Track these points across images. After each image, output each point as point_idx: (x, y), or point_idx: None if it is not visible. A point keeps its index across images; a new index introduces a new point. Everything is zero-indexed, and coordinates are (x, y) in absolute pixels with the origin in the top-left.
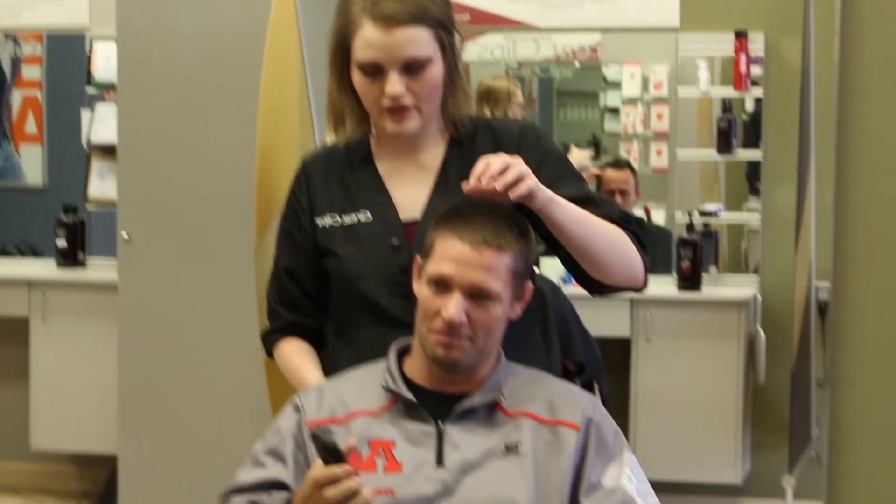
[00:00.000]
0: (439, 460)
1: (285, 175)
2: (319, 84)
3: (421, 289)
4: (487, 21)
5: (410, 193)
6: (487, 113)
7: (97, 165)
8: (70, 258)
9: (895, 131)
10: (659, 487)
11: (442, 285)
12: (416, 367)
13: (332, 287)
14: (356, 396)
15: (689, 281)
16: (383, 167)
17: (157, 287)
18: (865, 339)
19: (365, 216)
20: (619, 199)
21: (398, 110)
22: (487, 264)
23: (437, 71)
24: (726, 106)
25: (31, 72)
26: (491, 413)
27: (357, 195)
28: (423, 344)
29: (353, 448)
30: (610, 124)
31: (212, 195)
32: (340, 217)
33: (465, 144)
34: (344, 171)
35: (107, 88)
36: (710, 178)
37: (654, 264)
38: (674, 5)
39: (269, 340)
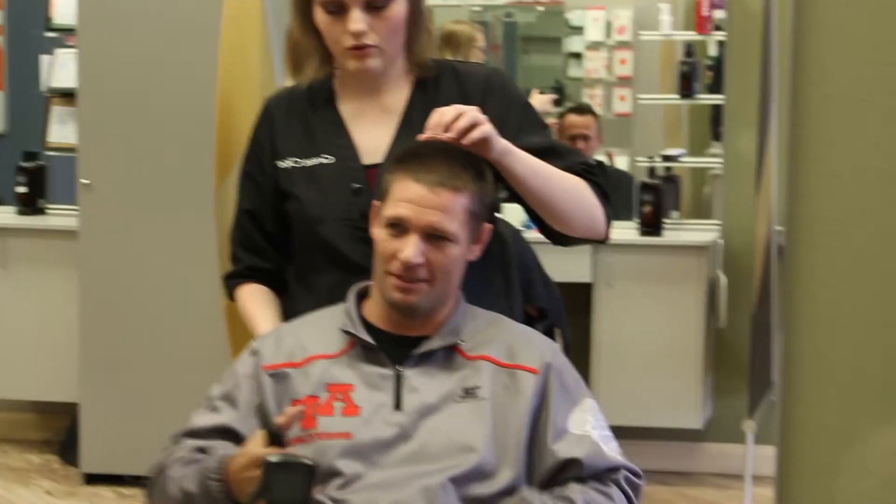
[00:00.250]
0: (397, 404)
1: (246, 119)
2: (281, 27)
3: (378, 232)
4: None
5: (373, 136)
6: (449, 58)
7: (57, 111)
8: (30, 205)
9: (850, 71)
10: (620, 433)
11: (399, 228)
12: (374, 310)
13: (293, 231)
14: (314, 340)
15: (651, 226)
16: (346, 109)
17: (117, 233)
18: (819, 280)
19: (327, 159)
20: (581, 144)
21: (360, 48)
22: (444, 205)
23: (399, 9)
24: (689, 50)
25: None
26: (449, 356)
27: (319, 137)
28: (381, 288)
29: (292, 419)
30: (573, 70)
31: (172, 140)
32: (302, 159)
33: (429, 88)
34: (307, 113)
35: (66, 33)
36: (674, 123)
37: (617, 210)
38: None
39: (230, 284)
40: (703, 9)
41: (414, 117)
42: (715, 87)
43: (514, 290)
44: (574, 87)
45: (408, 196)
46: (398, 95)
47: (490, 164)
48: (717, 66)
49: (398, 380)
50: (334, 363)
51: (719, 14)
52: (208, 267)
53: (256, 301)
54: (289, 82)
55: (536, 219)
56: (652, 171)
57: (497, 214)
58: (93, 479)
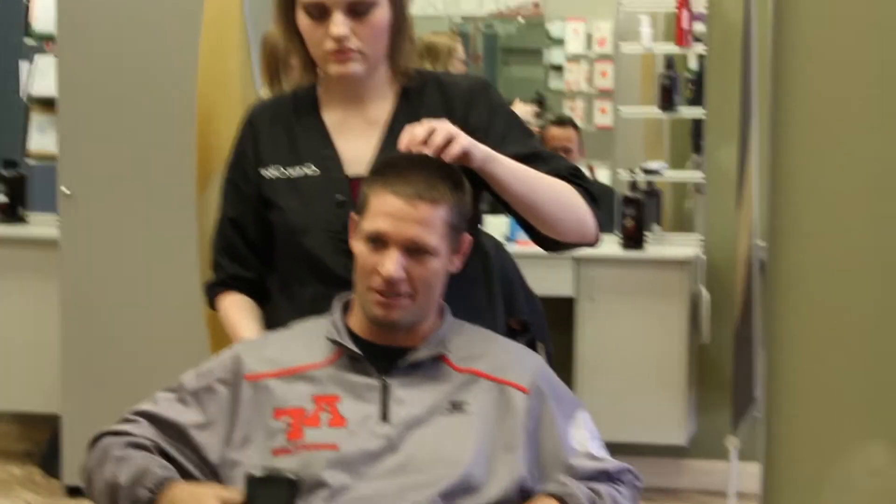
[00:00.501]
0: (384, 415)
1: (226, 128)
2: (259, 33)
3: (357, 246)
4: None
5: (357, 147)
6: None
7: (37, 119)
8: (10, 214)
9: (830, 87)
10: None
11: (378, 242)
12: (358, 321)
13: (276, 241)
14: (299, 350)
15: (633, 240)
16: (330, 119)
17: (98, 242)
18: (801, 296)
19: (310, 169)
20: None
21: (342, 52)
22: (422, 218)
23: (382, 15)
24: (669, 62)
25: None
26: (437, 367)
27: (303, 147)
28: (363, 303)
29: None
30: (554, 82)
31: (153, 148)
32: (286, 169)
33: (413, 98)
34: (290, 121)
35: (46, 40)
36: (655, 136)
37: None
38: None
39: (211, 293)
40: (683, 21)
41: (398, 128)
42: (696, 100)
43: (497, 303)
44: (555, 99)
45: (386, 210)
46: (382, 106)
47: (471, 172)
48: (698, 79)
49: (385, 391)
50: (320, 374)
51: (700, 27)
52: (190, 276)
53: (239, 311)
54: (265, 93)
55: (525, 225)
56: (633, 185)
57: (480, 227)
58: (74, 491)
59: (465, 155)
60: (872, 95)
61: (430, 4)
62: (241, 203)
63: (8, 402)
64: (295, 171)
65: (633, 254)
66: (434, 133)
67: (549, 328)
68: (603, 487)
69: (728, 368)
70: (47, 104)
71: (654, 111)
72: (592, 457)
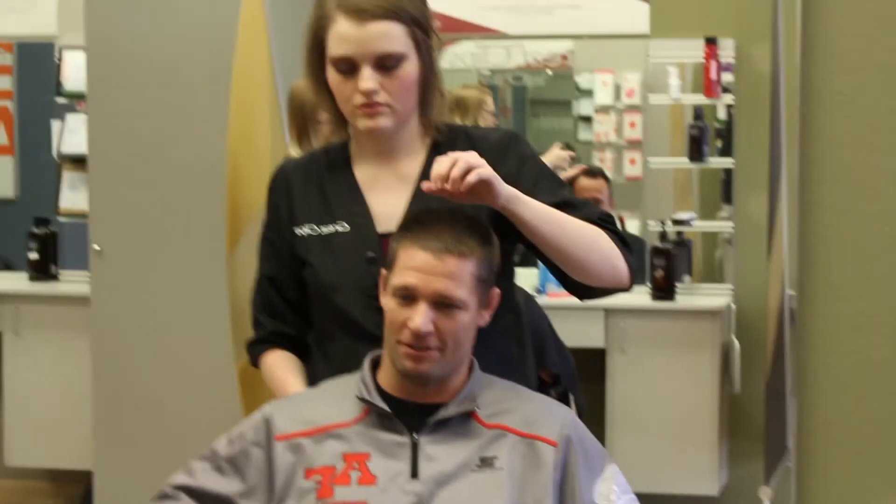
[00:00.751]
0: (414, 473)
1: (256, 186)
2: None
3: (387, 301)
4: (458, 28)
5: (388, 203)
6: (458, 122)
7: (68, 176)
8: (42, 271)
9: (861, 137)
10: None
11: (407, 296)
12: (388, 378)
13: (310, 298)
14: (329, 409)
15: (663, 291)
16: (362, 175)
17: (129, 299)
18: (832, 348)
19: (342, 226)
20: None
21: (371, 107)
22: (451, 272)
23: (411, 69)
24: (697, 113)
25: (2, 82)
26: (466, 423)
27: (335, 204)
28: (393, 357)
29: None
30: (583, 133)
31: (183, 205)
32: (318, 227)
33: (443, 153)
34: (323, 178)
35: (77, 98)
36: (684, 186)
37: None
38: (643, 12)
39: (254, 351)
40: (711, 72)
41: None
42: (726, 151)
43: (528, 356)
44: (584, 150)
45: (414, 264)
46: (413, 161)
47: (504, 223)
48: (727, 129)
49: (414, 448)
50: (349, 432)
51: (728, 77)
52: (221, 333)
53: (284, 368)
54: (293, 147)
55: (556, 271)
56: (663, 236)
57: (513, 280)
58: None
59: (486, 188)
60: None
61: (458, 58)
62: (278, 261)
63: (40, 459)
64: (326, 229)
65: (663, 304)
66: (455, 164)
67: (580, 380)
68: None
69: (760, 418)
70: (78, 162)
71: (683, 162)
72: None
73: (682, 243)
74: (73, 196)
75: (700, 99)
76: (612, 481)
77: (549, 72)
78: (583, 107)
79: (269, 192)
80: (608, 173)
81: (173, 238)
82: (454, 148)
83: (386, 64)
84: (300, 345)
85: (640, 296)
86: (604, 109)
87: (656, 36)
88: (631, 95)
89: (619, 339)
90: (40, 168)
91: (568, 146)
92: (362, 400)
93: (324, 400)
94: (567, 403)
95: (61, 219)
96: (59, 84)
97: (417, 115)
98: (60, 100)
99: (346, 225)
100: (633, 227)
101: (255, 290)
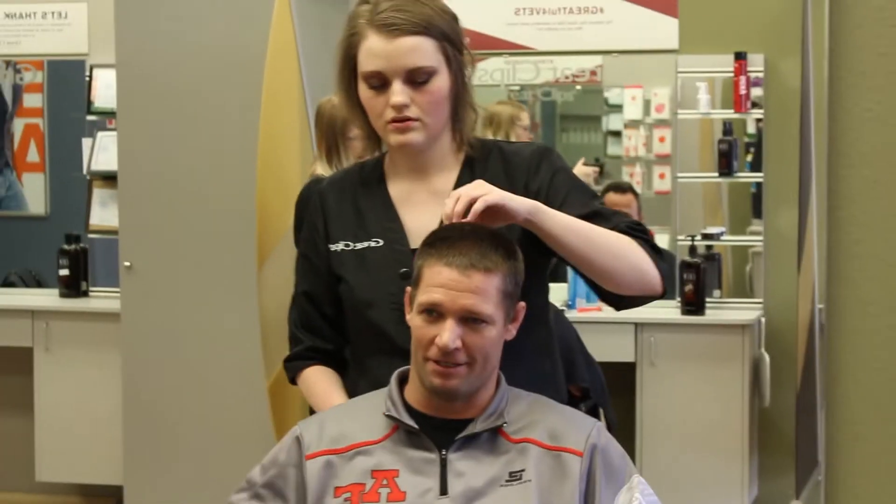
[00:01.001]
0: (443, 489)
1: (286, 202)
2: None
3: (413, 318)
4: (487, 45)
5: (422, 219)
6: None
7: (98, 193)
8: (72, 287)
9: (886, 154)
10: None
11: (434, 313)
12: (415, 394)
13: (346, 314)
14: (357, 426)
15: (693, 305)
16: (395, 191)
17: (159, 315)
18: (861, 364)
19: (376, 242)
20: None
21: (402, 121)
22: (477, 287)
23: (441, 83)
24: (727, 128)
25: (33, 100)
26: (494, 439)
27: (369, 220)
28: (421, 374)
29: None
30: (613, 148)
31: (212, 222)
32: (353, 243)
33: (476, 168)
34: (357, 194)
35: (108, 116)
36: (714, 201)
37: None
38: (672, 27)
39: (293, 367)
40: (740, 87)
41: None
42: (755, 165)
43: (559, 372)
44: (614, 165)
45: (440, 281)
46: (447, 177)
47: (538, 240)
48: (757, 144)
49: (443, 464)
50: (378, 449)
51: (757, 91)
52: (251, 348)
53: (326, 382)
54: (321, 165)
55: (590, 282)
56: (693, 250)
57: (547, 297)
58: None
59: (501, 209)
60: None
61: (487, 74)
62: (315, 277)
63: (71, 475)
64: (361, 244)
65: (693, 319)
66: (457, 201)
67: (609, 394)
68: None
69: (790, 432)
70: (109, 179)
71: (712, 176)
72: None
73: (712, 257)
74: (103, 213)
75: (729, 114)
76: (637, 491)
77: (579, 87)
78: (612, 122)
79: (305, 210)
80: (637, 188)
81: (203, 254)
82: (487, 163)
83: (416, 79)
84: (338, 360)
85: (669, 310)
86: (633, 124)
87: (685, 51)
88: (660, 110)
89: (649, 353)
90: (71, 185)
91: (597, 161)
92: (390, 417)
93: (352, 417)
94: (597, 418)
95: (92, 235)
96: (89, 102)
97: (450, 131)
98: (91, 117)
99: (379, 241)
100: (662, 241)
101: (293, 306)
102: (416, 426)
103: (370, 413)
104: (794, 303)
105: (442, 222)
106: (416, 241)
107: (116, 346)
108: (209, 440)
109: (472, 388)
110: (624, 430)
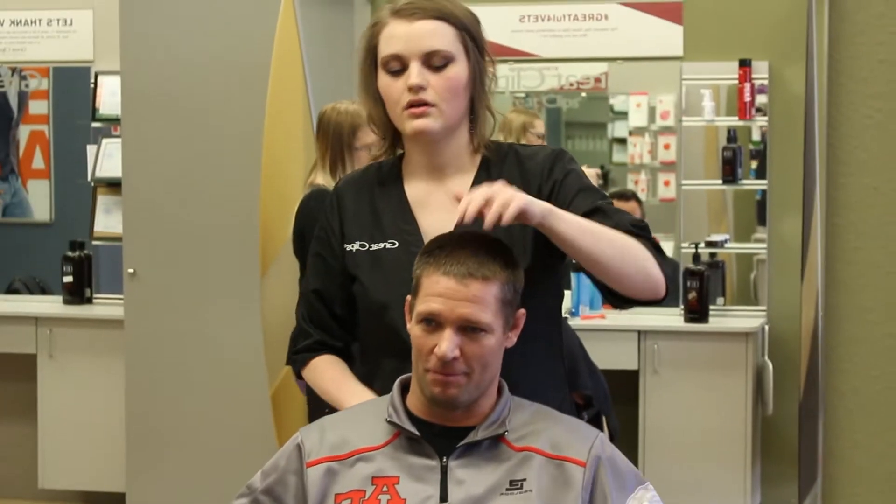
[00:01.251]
0: (443, 496)
1: (289, 213)
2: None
3: (413, 328)
4: (491, 52)
5: (438, 221)
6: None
7: (103, 200)
8: (76, 294)
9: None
10: None
11: (432, 322)
12: (416, 402)
13: (359, 314)
14: (358, 433)
15: (697, 313)
16: (413, 192)
17: (163, 322)
18: (858, 370)
19: (391, 243)
20: None
21: (418, 105)
22: (475, 296)
23: (459, 71)
24: (731, 135)
25: (38, 106)
26: (495, 446)
27: (385, 221)
28: (421, 383)
29: None
30: (618, 155)
31: (216, 229)
32: (368, 243)
33: (492, 171)
34: (374, 194)
35: (112, 123)
36: (719, 208)
37: (671, 275)
38: (677, 34)
39: (301, 359)
40: (744, 94)
41: None
42: (760, 173)
43: (563, 378)
44: (619, 172)
45: (438, 290)
46: (463, 179)
47: (550, 245)
48: (762, 151)
49: (444, 471)
50: (379, 455)
51: (763, 99)
52: (254, 355)
53: (338, 370)
54: (322, 176)
55: (596, 282)
56: (696, 258)
57: (560, 304)
58: None
59: (523, 213)
60: None
61: (491, 80)
62: (328, 276)
63: (74, 482)
64: (376, 245)
65: (696, 326)
66: (488, 203)
67: (613, 401)
68: None
69: (793, 440)
70: (113, 186)
71: (716, 184)
72: None
73: (715, 265)
74: (107, 220)
75: (734, 121)
76: (645, 499)
77: (584, 94)
78: (617, 129)
79: (305, 220)
80: (642, 195)
81: (206, 261)
82: (503, 167)
83: (434, 63)
84: (346, 357)
85: (673, 317)
86: (638, 131)
87: (690, 58)
88: (665, 117)
89: (652, 360)
90: (76, 192)
91: (602, 168)
92: (391, 423)
93: (353, 424)
94: (600, 426)
95: (96, 242)
96: (94, 109)
97: (467, 131)
98: (96, 124)
99: (395, 242)
100: (667, 249)
101: (301, 301)
102: (417, 433)
103: (372, 419)
104: (798, 311)
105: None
106: None
107: (120, 353)
108: (211, 447)
109: (472, 397)
110: (627, 438)
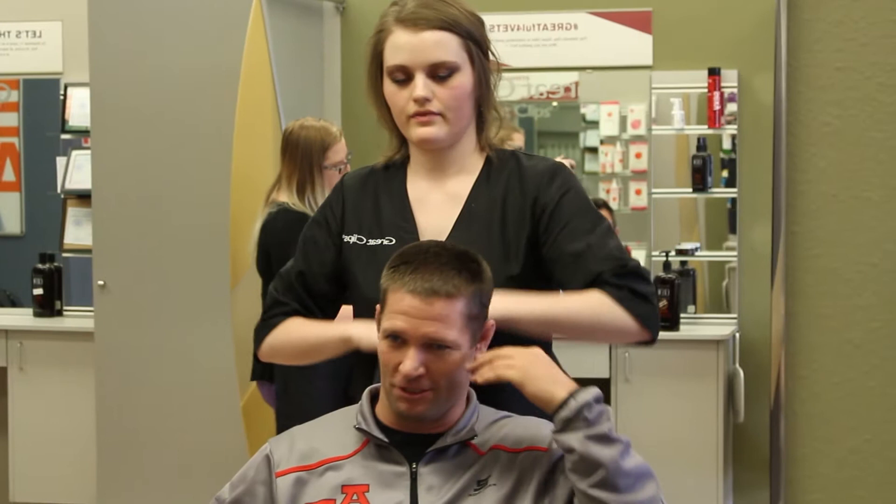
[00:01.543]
0: (413, 502)
1: (257, 221)
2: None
3: (379, 343)
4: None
5: (437, 221)
6: None
7: (73, 212)
8: (47, 307)
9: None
10: None
11: (397, 339)
12: (385, 412)
13: (353, 306)
14: (327, 442)
15: (667, 321)
16: (414, 191)
17: (133, 334)
18: (819, 377)
19: (388, 241)
20: None
21: (423, 114)
22: (439, 314)
23: (464, 80)
24: (700, 143)
25: (8, 118)
26: (463, 452)
27: (385, 218)
28: (388, 398)
29: None
30: (590, 164)
31: (186, 241)
32: (367, 238)
33: (493, 175)
34: (378, 191)
35: (82, 134)
36: (690, 216)
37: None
38: (647, 43)
39: (273, 322)
40: (714, 103)
41: (476, 204)
42: (731, 181)
43: None
44: (591, 181)
45: (402, 308)
46: (464, 181)
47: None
48: (733, 159)
49: (413, 478)
50: (348, 463)
51: (732, 107)
52: (224, 368)
53: (319, 322)
54: (285, 195)
55: None
56: (667, 266)
57: None
58: None
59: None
60: (887, 172)
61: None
62: (317, 260)
63: (45, 494)
64: (374, 241)
65: (667, 334)
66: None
67: None
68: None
69: (764, 447)
70: (83, 198)
71: (687, 192)
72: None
73: (686, 273)
74: (77, 232)
75: (703, 129)
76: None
77: (555, 104)
78: (589, 138)
79: (269, 238)
80: (614, 204)
81: (176, 273)
82: (503, 172)
83: (439, 73)
84: None
85: None
86: (610, 140)
87: (659, 67)
88: (636, 126)
89: (623, 369)
90: (45, 204)
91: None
92: (360, 430)
93: (322, 433)
94: None
95: (66, 254)
96: (64, 120)
97: (474, 134)
98: (65, 136)
99: (392, 239)
100: (639, 257)
101: (278, 279)
102: (385, 440)
103: (341, 428)
104: (769, 318)
105: None
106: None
107: (90, 366)
108: (183, 459)
109: (440, 411)
110: None
